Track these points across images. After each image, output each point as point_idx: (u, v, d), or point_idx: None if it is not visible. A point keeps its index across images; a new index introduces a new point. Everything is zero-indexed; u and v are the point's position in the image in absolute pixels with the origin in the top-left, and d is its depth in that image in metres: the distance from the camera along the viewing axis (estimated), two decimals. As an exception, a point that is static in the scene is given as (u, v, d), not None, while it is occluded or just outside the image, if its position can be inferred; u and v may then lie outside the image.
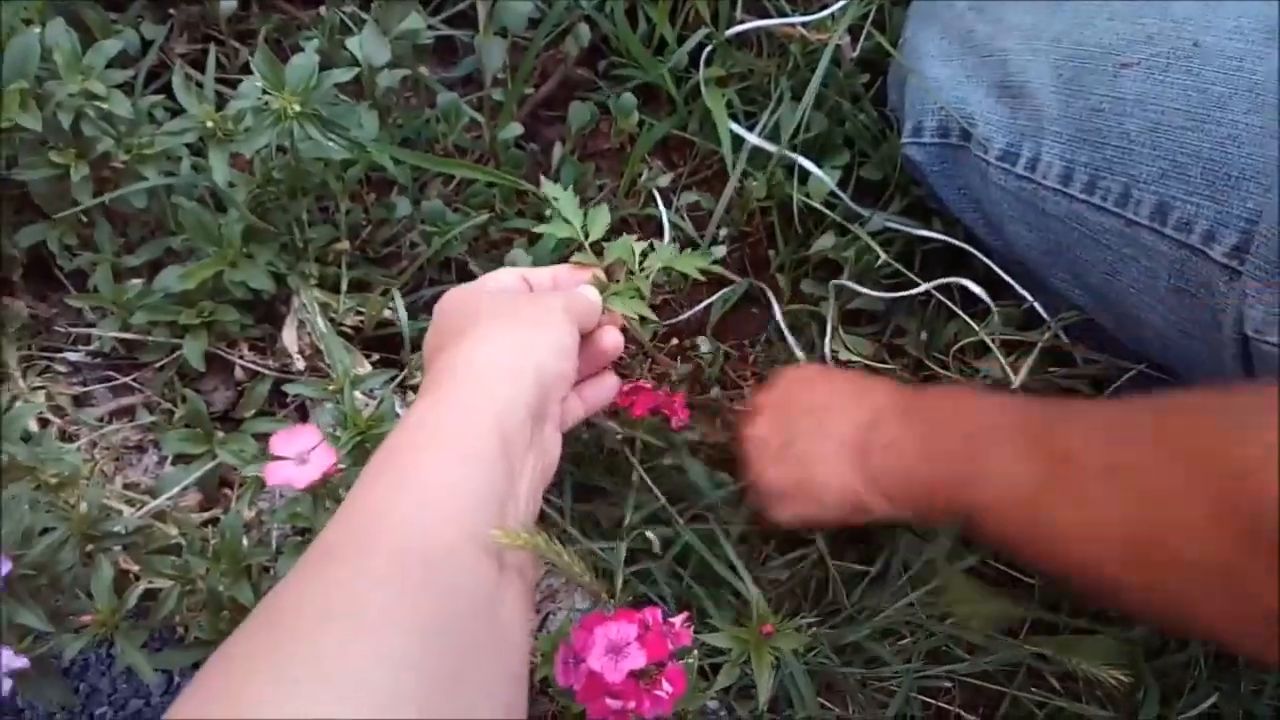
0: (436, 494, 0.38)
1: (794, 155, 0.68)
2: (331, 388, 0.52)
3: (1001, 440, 0.47)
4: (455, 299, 0.50)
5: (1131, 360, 0.61)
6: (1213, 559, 0.36)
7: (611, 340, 0.53)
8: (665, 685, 0.41)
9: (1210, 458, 0.36)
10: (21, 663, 0.47)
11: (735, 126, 0.69)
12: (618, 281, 0.55)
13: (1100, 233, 0.49)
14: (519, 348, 0.45)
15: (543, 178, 0.58)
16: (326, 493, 0.47)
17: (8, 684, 0.46)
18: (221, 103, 0.67)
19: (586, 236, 0.55)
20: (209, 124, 0.52)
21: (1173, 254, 0.45)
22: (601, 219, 0.55)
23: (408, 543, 0.36)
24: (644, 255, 0.56)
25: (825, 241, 0.70)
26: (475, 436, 0.40)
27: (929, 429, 0.53)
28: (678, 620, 0.44)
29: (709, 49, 0.71)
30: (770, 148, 0.68)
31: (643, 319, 0.54)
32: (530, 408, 0.43)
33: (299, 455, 0.43)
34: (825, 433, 0.57)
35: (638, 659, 0.40)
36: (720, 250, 0.71)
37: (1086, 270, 0.51)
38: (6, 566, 0.47)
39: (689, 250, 0.57)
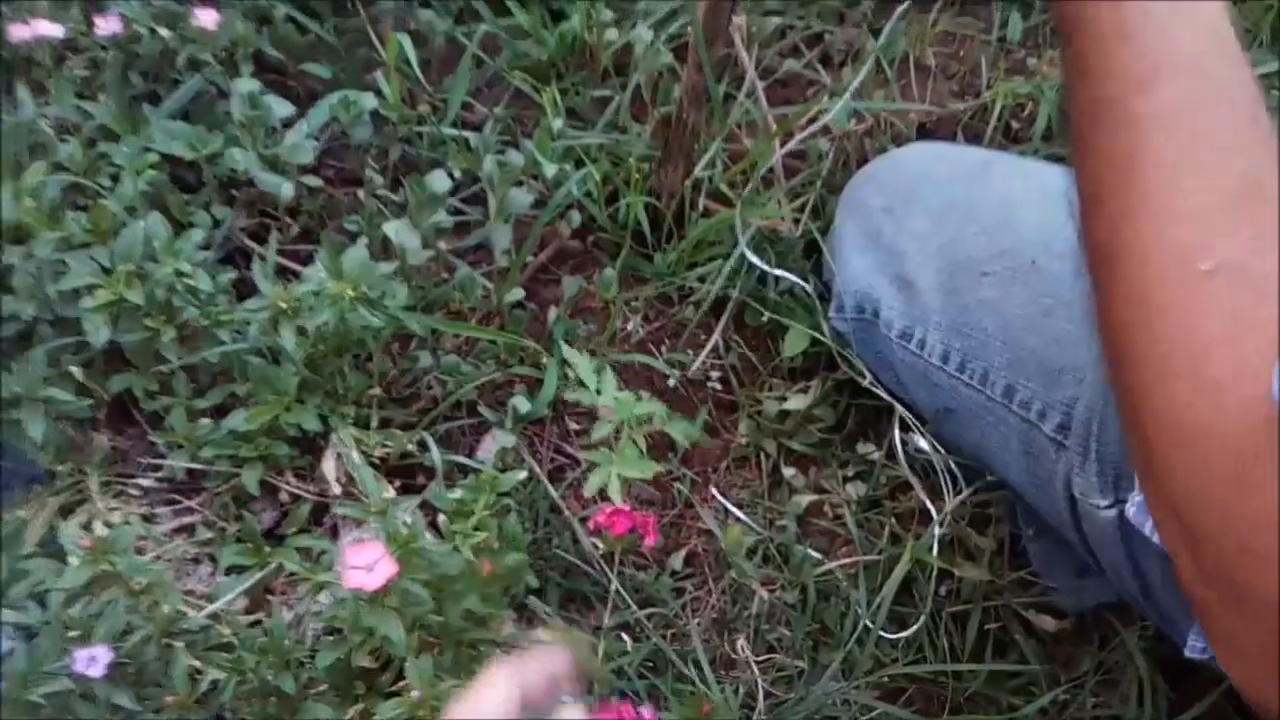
0: None
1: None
2: (373, 510, 0.65)
3: None
4: None
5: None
6: None
7: None
8: None
9: None
10: (119, 738, 0.58)
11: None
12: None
13: (970, 403, 0.63)
14: None
15: (564, 345, 0.72)
16: (384, 599, 0.60)
17: (106, 756, 0.58)
18: (281, 272, 0.82)
19: (599, 394, 0.68)
20: (281, 304, 0.66)
21: (1019, 426, 0.60)
22: (610, 382, 0.69)
23: None
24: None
25: (796, 402, 0.86)
26: None
27: None
28: (646, 712, 0.55)
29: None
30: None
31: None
32: None
33: (367, 565, 0.56)
34: None
35: None
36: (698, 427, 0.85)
37: (966, 430, 0.66)
38: (109, 656, 0.59)
39: (679, 417, 0.71)
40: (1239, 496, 0.35)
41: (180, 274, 0.72)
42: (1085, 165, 0.41)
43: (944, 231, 0.68)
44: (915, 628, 0.75)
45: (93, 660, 0.59)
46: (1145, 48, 0.38)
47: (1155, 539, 0.52)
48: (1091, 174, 0.41)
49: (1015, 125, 1.00)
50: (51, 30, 0.73)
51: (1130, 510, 0.52)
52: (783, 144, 0.90)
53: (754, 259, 0.82)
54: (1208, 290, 0.36)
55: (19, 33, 0.73)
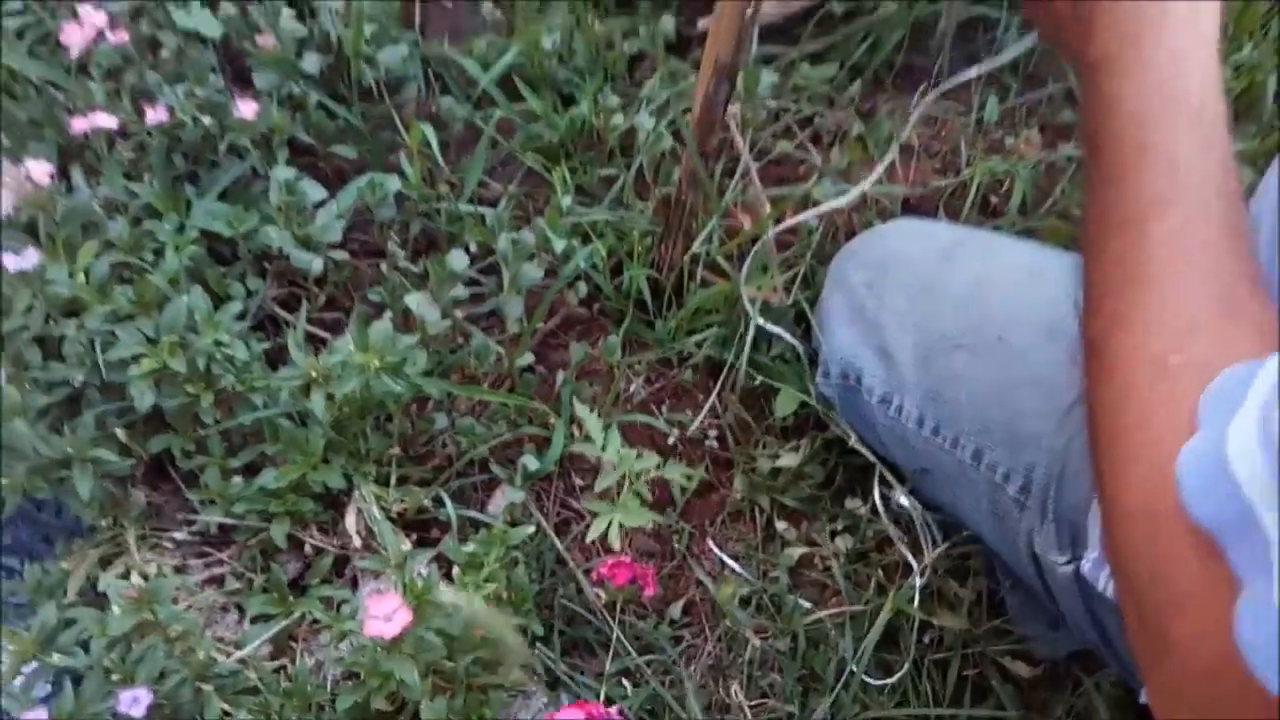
0: None
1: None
2: (392, 562, 0.70)
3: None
4: None
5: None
6: None
7: None
8: None
9: None
10: (158, 775, 0.63)
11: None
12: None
13: (943, 465, 0.69)
14: None
15: (576, 402, 0.79)
16: (400, 646, 0.65)
17: (146, 792, 0.63)
18: (309, 339, 0.88)
19: (604, 449, 0.75)
20: (313, 374, 0.73)
21: (987, 487, 0.65)
22: (615, 440, 0.75)
23: None
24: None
25: (788, 460, 0.91)
26: None
27: None
28: (614, 710, 0.61)
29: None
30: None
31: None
32: None
33: (385, 615, 0.61)
34: None
35: None
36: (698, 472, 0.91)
37: (941, 489, 0.71)
38: (149, 698, 0.65)
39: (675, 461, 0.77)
40: (1168, 567, 0.41)
41: (219, 344, 0.78)
42: (1096, 264, 0.47)
43: (919, 307, 0.74)
44: (900, 674, 0.80)
45: (135, 701, 0.65)
46: (1166, 171, 0.45)
47: (1108, 593, 0.57)
48: (1100, 272, 0.47)
49: (994, 200, 1.06)
50: (108, 122, 0.81)
51: (1085, 566, 0.58)
52: (776, 223, 0.96)
53: (762, 321, 0.88)
54: (1172, 382, 0.43)
55: (79, 125, 0.80)
